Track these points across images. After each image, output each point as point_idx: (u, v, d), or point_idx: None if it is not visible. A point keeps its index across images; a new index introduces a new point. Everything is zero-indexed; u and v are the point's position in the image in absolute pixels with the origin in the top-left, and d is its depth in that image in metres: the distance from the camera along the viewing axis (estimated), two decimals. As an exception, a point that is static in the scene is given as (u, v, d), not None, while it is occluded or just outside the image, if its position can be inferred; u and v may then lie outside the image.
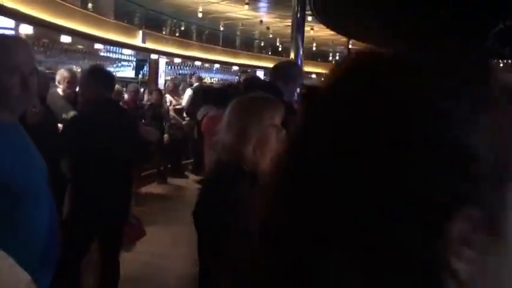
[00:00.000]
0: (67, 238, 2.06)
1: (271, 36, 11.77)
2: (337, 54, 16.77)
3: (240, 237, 1.61)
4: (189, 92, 8.36)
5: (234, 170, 1.63)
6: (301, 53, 5.84)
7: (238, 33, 12.37)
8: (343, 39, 12.45)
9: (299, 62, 5.84)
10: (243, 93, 4.01)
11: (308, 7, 6.16)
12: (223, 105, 4.63)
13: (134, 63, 13.32)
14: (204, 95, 5.99)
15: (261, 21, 9.57)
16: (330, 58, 17.67)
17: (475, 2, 5.88)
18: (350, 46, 13.80)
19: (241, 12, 8.86)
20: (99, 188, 2.64)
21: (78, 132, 2.65)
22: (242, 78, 17.50)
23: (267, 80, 3.47)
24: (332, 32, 10.08)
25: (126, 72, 13.15)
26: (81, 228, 2.63)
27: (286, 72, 2.99)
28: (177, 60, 14.19)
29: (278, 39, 12.73)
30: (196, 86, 8.41)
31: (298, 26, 5.91)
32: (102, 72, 3.02)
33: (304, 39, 6.07)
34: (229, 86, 6.82)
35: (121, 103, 6.85)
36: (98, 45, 10.56)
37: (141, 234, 3.33)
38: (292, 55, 5.94)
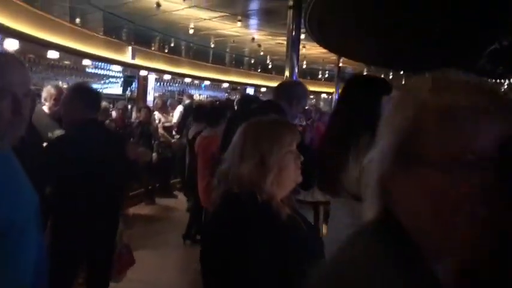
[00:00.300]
0: (49, 272, 1.83)
1: (262, 53, 11.66)
2: (327, 72, 16.76)
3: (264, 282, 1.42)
4: (179, 109, 8.20)
5: (250, 204, 1.45)
6: (296, 71, 5.71)
7: (228, 50, 12.25)
8: (334, 57, 12.44)
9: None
10: (239, 112, 3.88)
11: (302, 25, 6.04)
12: (215, 124, 4.52)
13: (122, 79, 13.11)
14: (196, 113, 5.82)
15: (253, 39, 9.46)
16: (320, 76, 17.65)
17: (470, 22, 5.82)
18: (340, 64, 13.84)
19: (233, 29, 8.74)
20: (84, 216, 2.41)
21: (60, 156, 2.39)
22: (234, 95, 17.46)
23: (269, 99, 3.31)
24: (323, 50, 10.01)
25: (114, 88, 12.93)
26: (64, 260, 2.36)
27: (290, 91, 2.86)
28: (167, 76, 14.04)
29: (269, 57, 12.64)
30: (187, 103, 8.26)
31: (293, 44, 5.78)
32: (87, 90, 2.77)
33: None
34: (222, 104, 6.70)
35: (108, 121, 6.70)
36: (85, 61, 10.35)
37: (131, 262, 3.11)
38: (287, 73, 5.80)
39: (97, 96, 2.79)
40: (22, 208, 1.29)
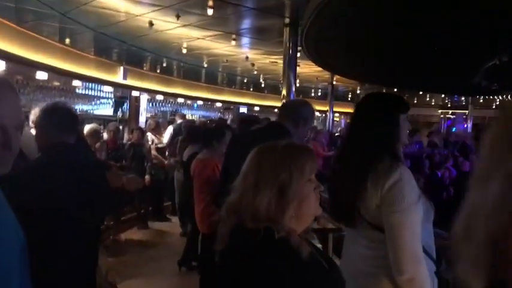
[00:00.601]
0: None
1: (255, 72, 11.56)
2: (320, 90, 16.72)
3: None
4: (169, 129, 8.01)
5: (268, 243, 1.26)
6: (293, 89, 5.58)
7: (221, 69, 12.14)
8: (327, 75, 12.39)
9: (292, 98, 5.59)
10: (240, 134, 3.70)
11: (299, 43, 5.94)
12: (211, 145, 4.33)
13: (113, 100, 12.91)
14: (190, 134, 5.64)
15: (247, 58, 9.35)
16: (312, 94, 17.60)
17: (468, 38, 5.75)
18: (334, 82, 13.80)
19: (226, 48, 8.63)
20: (55, 259, 1.98)
21: (25, 188, 1.94)
22: (227, 115, 17.33)
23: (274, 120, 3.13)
24: (317, 69, 9.93)
25: (105, 110, 12.72)
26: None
27: (297, 111, 2.69)
28: (159, 97, 13.88)
29: (262, 76, 12.54)
30: (177, 124, 8.08)
31: (290, 62, 5.67)
32: (61, 110, 2.37)
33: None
34: (217, 124, 6.53)
35: (100, 143, 6.49)
36: (75, 82, 10.14)
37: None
38: (283, 92, 5.68)
39: (72, 116, 2.41)
40: (6, 252, 1.11)
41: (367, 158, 1.88)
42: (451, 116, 20.82)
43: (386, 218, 1.75)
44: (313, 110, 2.83)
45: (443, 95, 16.81)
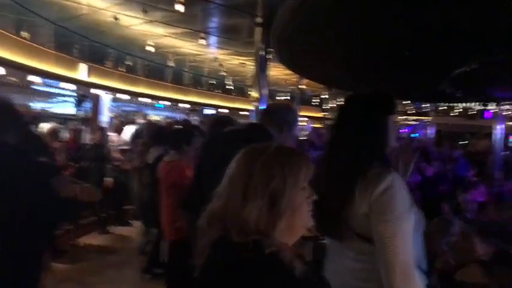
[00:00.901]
0: None
1: (223, 73, 11.36)
2: (287, 94, 16.69)
3: None
4: (129, 129, 7.67)
5: (258, 259, 1.09)
6: (266, 92, 5.44)
7: (188, 69, 11.87)
8: (295, 78, 12.33)
9: (263, 102, 5.44)
10: (215, 136, 3.49)
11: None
12: (180, 147, 4.10)
13: (75, 98, 12.39)
14: (156, 135, 5.38)
15: (215, 58, 9.14)
16: (279, 98, 17.56)
17: (438, 45, 5.76)
18: (301, 86, 13.77)
19: (194, 47, 8.39)
20: None
21: None
22: (193, 116, 17.00)
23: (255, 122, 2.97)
24: (286, 72, 9.83)
25: (66, 108, 12.19)
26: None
27: (281, 116, 2.54)
28: (123, 96, 13.42)
29: (230, 77, 12.36)
30: (142, 125, 7.77)
31: (262, 62, 5.52)
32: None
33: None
34: (187, 126, 6.29)
35: (61, 143, 6.16)
36: (32, 78, 9.61)
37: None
38: (255, 94, 5.52)
39: (10, 113, 2.16)
40: None
41: (355, 163, 1.72)
42: (412, 122, 21.26)
43: (377, 227, 1.60)
44: (297, 116, 2.71)
45: (405, 102, 17.10)
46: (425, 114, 19.53)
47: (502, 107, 10.05)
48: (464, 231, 2.02)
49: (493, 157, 10.26)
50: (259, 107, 5.53)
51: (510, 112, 10.96)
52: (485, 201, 6.71)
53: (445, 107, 16.44)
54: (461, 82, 7.54)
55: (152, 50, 8.26)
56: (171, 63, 10.28)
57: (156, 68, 11.77)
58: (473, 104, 10.97)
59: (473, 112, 17.13)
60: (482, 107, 11.38)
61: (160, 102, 15.48)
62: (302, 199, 1.20)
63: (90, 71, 10.70)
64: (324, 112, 22.78)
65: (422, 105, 16.82)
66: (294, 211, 1.17)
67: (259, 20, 5.43)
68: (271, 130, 2.42)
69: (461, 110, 16.61)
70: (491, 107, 10.46)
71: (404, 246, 1.58)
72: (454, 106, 14.82)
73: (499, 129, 10.06)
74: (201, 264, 1.22)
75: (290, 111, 2.65)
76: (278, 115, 2.55)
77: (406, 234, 1.59)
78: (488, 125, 15.78)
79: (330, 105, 20.90)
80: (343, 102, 1.97)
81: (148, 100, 14.78)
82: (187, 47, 8.44)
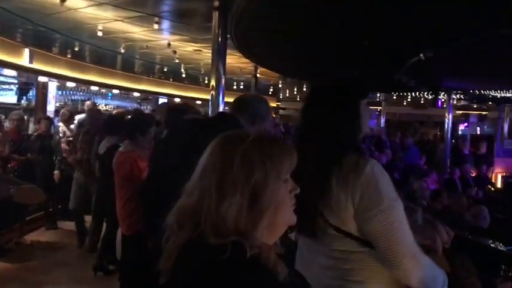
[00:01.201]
0: None
1: (177, 61, 11.02)
2: (242, 83, 16.55)
3: None
4: (78, 119, 7.29)
5: (238, 263, 0.96)
6: (223, 81, 5.25)
7: (140, 56, 11.43)
8: (251, 67, 12.19)
9: (221, 91, 5.27)
10: (172, 125, 3.30)
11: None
12: (134, 138, 3.89)
13: (17, 86, 11.65)
14: (108, 124, 5.12)
15: (169, 44, 8.82)
16: (234, 87, 17.39)
17: (393, 34, 5.78)
18: (258, 75, 13.66)
19: (146, 32, 8.05)
20: None
21: None
22: (145, 105, 16.53)
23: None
24: (243, 60, 9.67)
25: (7, 97, 11.43)
26: None
27: (254, 108, 2.44)
28: (70, 84, 12.77)
29: (183, 65, 12.03)
30: (91, 115, 7.39)
31: (219, 49, 5.31)
32: None
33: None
34: (141, 115, 6.03)
35: (1, 134, 5.81)
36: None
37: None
38: (212, 82, 5.32)
39: None
40: None
41: (329, 153, 1.61)
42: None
43: (369, 225, 1.50)
44: (270, 109, 2.62)
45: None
46: (378, 104, 19.98)
47: (452, 96, 10.36)
48: (428, 218, 1.96)
49: (443, 146, 10.61)
50: (217, 97, 5.35)
51: (461, 102, 11.36)
52: (438, 189, 6.93)
53: (396, 97, 16.84)
54: (415, 71, 7.67)
55: (101, 35, 7.83)
56: (122, 50, 9.82)
57: (106, 55, 11.24)
58: (425, 94, 11.26)
59: (423, 102, 17.72)
60: (433, 96, 11.70)
61: (111, 90, 14.95)
62: (285, 193, 1.08)
63: (35, 57, 10.09)
64: (278, 102, 22.90)
65: (375, 95, 17.13)
66: (277, 207, 1.04)
67: (216, 3, 5.21)
68: (243, 122, 2.31)
69: (411, 100, 17.09)
70: (442, 96, 10.78)
71: (404, 232, 1.48)
72: (405, 96, 15.16)
73: (448, 118, 10.38)
74: (168, 270, 1.06)
75: (264, 103, 2.56)
76: (251, 106, 2.45)
77: (401, 219, 1.50)
78: (438, 114, 16.41)
79: (286, 94, 21.03)
80: (309, 91, 1.87)
81: (98, 88, 14.22)
82: (139, 32, 8.06)
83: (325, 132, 1.66)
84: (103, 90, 14.85)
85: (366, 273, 1.57)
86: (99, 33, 7.79)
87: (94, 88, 13.95)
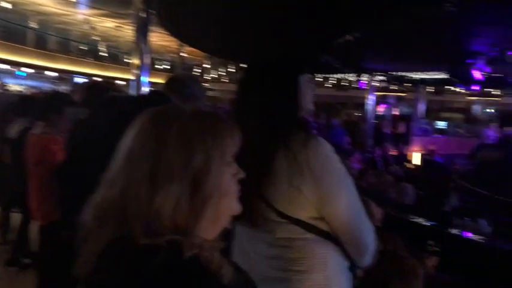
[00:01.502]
0: None
1: (96, 38, 10.38)
2: (166, 62, 16.08)
3: None
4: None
5: (174, 267, 0.78)
6: (148, 60, 4.97)
7: (54, 32, 10.63)
8: (176, 46, 11.83)
9: (145, 71, 5.00)
10: (94, 103, 3.01)
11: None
12: (48, 119, 3.55)
13: None
14: (21, 105, 4.67)
15: (86, 19, 8.25)
16: (157, 66, 16.87)
17: (320, 13, 5.78)
18: (182, 54, 13.31)
19: (60, 6, 7.44)
20: None
21: None
22: (62, 86, 15.50)
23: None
24: (167, 38, 9.31)
25: None
26: None
27: (188, 88, 2.31)
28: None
29: (103, 42, 11.38)
30: None
31: (143, 28, 5.01)
32: None
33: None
34: (55, 95, 5.54)
35: None
36: None
37: None
38: (136, 61, 5.02)
39: None
40: None
41: (270, 131, 1.49)
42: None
43: (329, 206, 1.41)
44: (204, 89, 2.52)
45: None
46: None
47: (374, 78, 10.74)
48: (361, 197, 1.95)
49: (365, 126, 11.02)
50: (141, 77, 5.07)
51: (382, 84, 11.81)
52: (363, 168, 7.16)
53: (321, 79, 17.24)
54: (341, 52, 7.79)
55: (9, 6, 7.12)
56: (34, 25, 9.04)
57: (15, 30, 10.31)
58: (350, 75, 11.59)
59: (345, 83, 18.30)
60: (357, 78, 12.07)
61: (22, 69, 13.79)
62: (229, 178, 0.91)
63: None
64: (205, 83, 22.59)
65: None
66: (221, 196, 0.87)
67: (138, -24, 4.88)
68: (176, 103, 2.14)
69: (335, 81, 17.60)
70: (364, 78, 11.13)
71: (358, 210, 1.43)
72: (328, 77, 15.56)
73: (370, 99, 10.77)
74: (85, 278, 0.86)
75: (196, 84, 2.45)
76: (184, 87, 2.31)
77: (354, 198, 1.43)
78: (359, 95, 17.05)
79: (211, 75, 20.77)
80: (245, 68, 1.73)
81: (8, 67, 13.08)
82: (52, 5, 7.44)
83: (263, 109, 1.53)
84: (13, 69, 13.69)
85: (309, 261, 1.48)
86: (7, 5, 7.08)
87: (1, 66, 12.81)
